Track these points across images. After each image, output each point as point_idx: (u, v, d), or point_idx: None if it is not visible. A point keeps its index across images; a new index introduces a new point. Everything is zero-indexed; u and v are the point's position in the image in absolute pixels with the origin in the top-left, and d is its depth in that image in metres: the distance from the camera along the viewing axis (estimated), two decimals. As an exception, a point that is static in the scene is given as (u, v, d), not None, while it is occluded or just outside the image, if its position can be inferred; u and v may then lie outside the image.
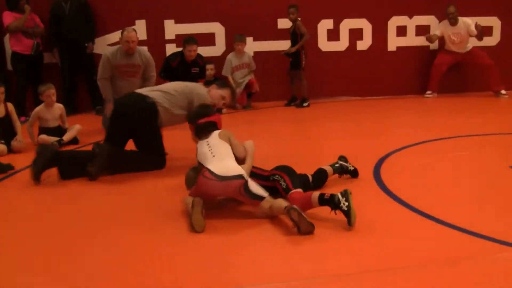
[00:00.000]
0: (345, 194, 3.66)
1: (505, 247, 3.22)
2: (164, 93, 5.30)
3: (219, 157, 4.01)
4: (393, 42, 9.83)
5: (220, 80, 5.57)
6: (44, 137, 6.38)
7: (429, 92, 9.70)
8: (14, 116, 6.30)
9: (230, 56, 9.06)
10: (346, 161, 4.74)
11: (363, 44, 9.75)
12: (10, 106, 6.28)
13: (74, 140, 6.54)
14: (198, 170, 4.12)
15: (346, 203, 3.63)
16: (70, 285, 2.93)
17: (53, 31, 8.53)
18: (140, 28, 8.80)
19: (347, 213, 3.60)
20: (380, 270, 2.99)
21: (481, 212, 3.90)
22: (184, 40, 8.36)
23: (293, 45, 8.85)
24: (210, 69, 8.92)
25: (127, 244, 3.47)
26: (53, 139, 6.31)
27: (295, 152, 5.80)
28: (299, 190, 4.00)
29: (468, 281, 2.84)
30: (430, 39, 9.52)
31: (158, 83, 6.84)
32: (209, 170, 3.86)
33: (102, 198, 4.48)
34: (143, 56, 7.15)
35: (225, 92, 5.34)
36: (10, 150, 6.05)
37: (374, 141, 6.34)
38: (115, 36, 8.64)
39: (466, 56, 9.62)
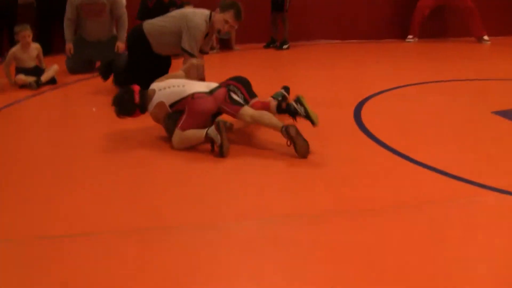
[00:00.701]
0: (298, 100, 3.96)
1: (483, 190, 3.28)
2: (160, 18, 5.49)
3: (190, 83, 4.19)
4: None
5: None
6: (21, 77, 6.26)
7: (410, 36, 9.66)
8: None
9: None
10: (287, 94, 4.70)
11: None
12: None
13: (52, 80, 6.43)
14: (173, 115, 4.11)
15: (302, 108, 3.92)
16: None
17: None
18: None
19: (307, 116, 3.93)
20: (358, 210, 3.04)
21: (460, 155, 3.94)
22: None
23: None
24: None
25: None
26: (31, 79, 6.21)
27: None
28: (256, 99, 4.27)
29: (445, 224, 2.90)
30: None
31: (133, 23, 6.76)
32: (195, 92, 4.02)
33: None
34: None
35: (227, 15, 5.11)
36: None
37: (353, 85, 6.38)
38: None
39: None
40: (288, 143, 3.73)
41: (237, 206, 3.13)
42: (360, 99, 5.42)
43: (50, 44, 8.22)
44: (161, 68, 5.47)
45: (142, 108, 4.22)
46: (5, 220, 2.95)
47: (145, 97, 4.22)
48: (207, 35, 5.42)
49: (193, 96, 4.02)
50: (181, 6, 8.17)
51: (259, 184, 3.44)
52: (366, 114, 4.93)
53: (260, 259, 2.55)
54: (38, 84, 6.19)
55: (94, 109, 5.23)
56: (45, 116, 5.28)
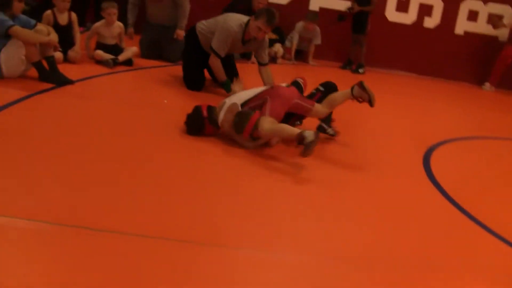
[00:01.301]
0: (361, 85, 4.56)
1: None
2: (210, 20, 5.77)
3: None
4: (462, 26, 9.53)
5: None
6: (100, 52, 6.37)
7: (488, 84, 9.41)
8: (76, 26, 6.28)
9: (300, 27, 8.81)
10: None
11: (431, 22, 9.49)
12: (74, 15, 6.25)
13: (129, 62, 6.52)
14: (246, 112, 4.14)
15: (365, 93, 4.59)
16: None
17: None
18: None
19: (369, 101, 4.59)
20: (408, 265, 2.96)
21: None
22: None
23: (359, 5, 8.61)
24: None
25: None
26: (108, 56, 6.31)
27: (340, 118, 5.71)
28: None
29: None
30: (494, 22, 9.15)
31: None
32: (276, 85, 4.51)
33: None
34: None
35: (259, 22, 5.31)
36: (66, 59, 6.07)
37: (426, 125, 6.23)
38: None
39: None
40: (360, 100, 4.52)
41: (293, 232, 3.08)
42: (431, 143, 5.27)
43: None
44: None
45: (211, 119, 4.23)
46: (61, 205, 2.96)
47: (213, 109, 4.27)
48: (246, 41, 5.59)
49: (272, 86, 4.42)
50: None
51: (318, 211, 3.39)
52: (435, 161, 4.78)
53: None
54: (115, 63, 6.28)
55: (165, 101, 5.25)
56: (114, 97, 5.33)
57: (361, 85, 4.50)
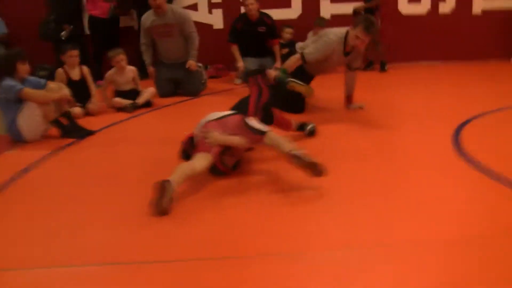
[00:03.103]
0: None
1: None
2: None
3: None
4: (479, 5, 9.29)
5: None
6: (118, 99, 6.42)
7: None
8: (89, 78, 6.35)
9: (311, 34, 8.71)
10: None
11: (446, 7, 9.26)
12: (85, 69, 6.34)
13: (148, 103, 6.54)
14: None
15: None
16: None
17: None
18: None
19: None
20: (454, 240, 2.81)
21: None
22: None
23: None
24: (289, 33, 8.73)
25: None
26: (127, 102, 6.35)
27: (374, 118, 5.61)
28: None
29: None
30: None
31: (223, 47, 7.26)
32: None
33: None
34: (176, 13, 7.08)
35: (357, 31, 5.21)
36: (87, 113, 6.13)
37: (456, 105, 6.06)
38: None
39: None
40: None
41: (323, 236, 2.98)
42: (461, 120, 5.19)
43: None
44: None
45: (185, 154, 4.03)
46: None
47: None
48: (348, 53, 5.53)
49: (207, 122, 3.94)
50: (272, 25, 8.12)
51: (346, 214, 3.27)
52: (466, 138, 4.66)
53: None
54: (135, 107, 6.31)
55: (185, 133, 5.21)
56: (138, 139, 5.31)
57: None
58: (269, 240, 2.94)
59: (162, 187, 3.29)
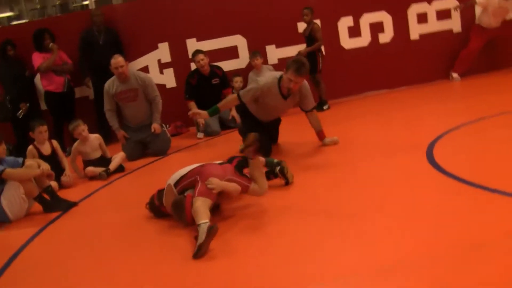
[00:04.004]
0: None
1: None
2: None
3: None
4: (415, 30, 9.77)
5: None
6: (91, 168, 6.45)
7: (455, 75, 9.61)
8: (60, 152, 6.38)
9: (251, 73, 9.10)
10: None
11: (385, 37, 9.71)
12: (55, 143, 6.37)
13: (120, 168, 6.60)
14: (178, 201, 4.12)
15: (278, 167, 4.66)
16: None
17: (84, 59, 8.59)
18: (164, 51, 9.10)
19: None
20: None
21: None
22: (192, 54, 8.52)
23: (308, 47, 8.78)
24: (239, 81, 8.99)
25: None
26: (99, 170, 6.39)
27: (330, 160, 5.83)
28: None
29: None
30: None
31: (179, 104, 7.88)
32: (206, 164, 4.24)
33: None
34: (139, 78, 7.22)
35: (289, 74, 5.48)
36: (61, 186, 6.13)
37: (413, 130, 6.36)
38: (143, 60, 8.98)
39: (498, 30, 9.39)
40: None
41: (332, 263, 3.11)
42: (427, 142, 5.43)
43: (110, 133, 8.36)
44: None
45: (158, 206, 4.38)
46: None
47: (161, 194, 4.36)
48: (286, 96, 5.77)
49: (202, 165, 4.17)
50: (223, 76, 8.41)
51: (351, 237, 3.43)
52: (439, 155, 4.93)
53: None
54: (108, 174, 6.36)
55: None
56: (121, 205, 5.37)
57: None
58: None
59: (215, 231, 3.52)
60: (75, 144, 6.65)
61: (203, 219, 3.65)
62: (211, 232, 3.52)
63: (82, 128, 6.54)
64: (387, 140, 5.99)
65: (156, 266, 3.54)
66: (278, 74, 5.74)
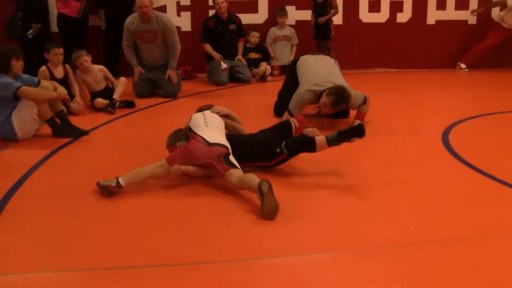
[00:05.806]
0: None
1: None
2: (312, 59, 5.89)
3: (212, 128, 4.19)
4: (433, 16, 9.74)
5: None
6: (100, 100, 6.38)
7: (463, 66, 9.63)
8: (72, 77, 6.30)
9: (273, 28, 9.08)
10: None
11: (403, 17, 9.66)
12: (68, 67, 6.28)
13: (131, 104, 6.56)
14: (181, 133, 4.36)
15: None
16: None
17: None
18: (185, -3, 8.97)
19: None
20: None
21: None
22: None
23: (322, 15, 8.71)
24: (255, 36, 8.92)
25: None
26: (106, 102, 6.34)
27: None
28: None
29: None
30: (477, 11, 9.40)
31: (191, 49, 7.66)
32: (200, 136, 4.06)
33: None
34: (160, 21, 7.10)
35: (327, 100, 5.24)
36: (69, 112, 6.03)
37: (429, 113, 6.41)
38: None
39: None
40: (258, 197, 3.51)
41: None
42: (443, 127, 5.49)
43: (117, 67, 8.30)
44: None
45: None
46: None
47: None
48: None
49: (195, 137, 4.09)
50: (240, 24, 8.47)
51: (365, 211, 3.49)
52: (454, 141, 5.00)
53: None
54: (114, 106, 6.31)
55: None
56: (134, 140, 5.36)
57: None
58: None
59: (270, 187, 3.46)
60: (77, 71, 6.51)
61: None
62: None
63: (85, 58, 6.40)
64: (402, 118, 6.04)
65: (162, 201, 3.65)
66: (321, 89, 5.41)
